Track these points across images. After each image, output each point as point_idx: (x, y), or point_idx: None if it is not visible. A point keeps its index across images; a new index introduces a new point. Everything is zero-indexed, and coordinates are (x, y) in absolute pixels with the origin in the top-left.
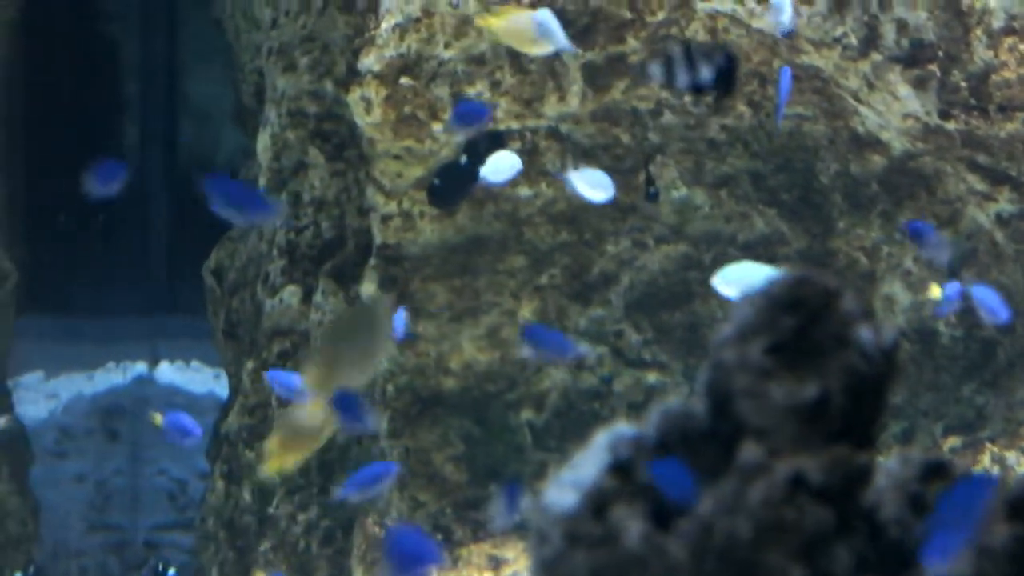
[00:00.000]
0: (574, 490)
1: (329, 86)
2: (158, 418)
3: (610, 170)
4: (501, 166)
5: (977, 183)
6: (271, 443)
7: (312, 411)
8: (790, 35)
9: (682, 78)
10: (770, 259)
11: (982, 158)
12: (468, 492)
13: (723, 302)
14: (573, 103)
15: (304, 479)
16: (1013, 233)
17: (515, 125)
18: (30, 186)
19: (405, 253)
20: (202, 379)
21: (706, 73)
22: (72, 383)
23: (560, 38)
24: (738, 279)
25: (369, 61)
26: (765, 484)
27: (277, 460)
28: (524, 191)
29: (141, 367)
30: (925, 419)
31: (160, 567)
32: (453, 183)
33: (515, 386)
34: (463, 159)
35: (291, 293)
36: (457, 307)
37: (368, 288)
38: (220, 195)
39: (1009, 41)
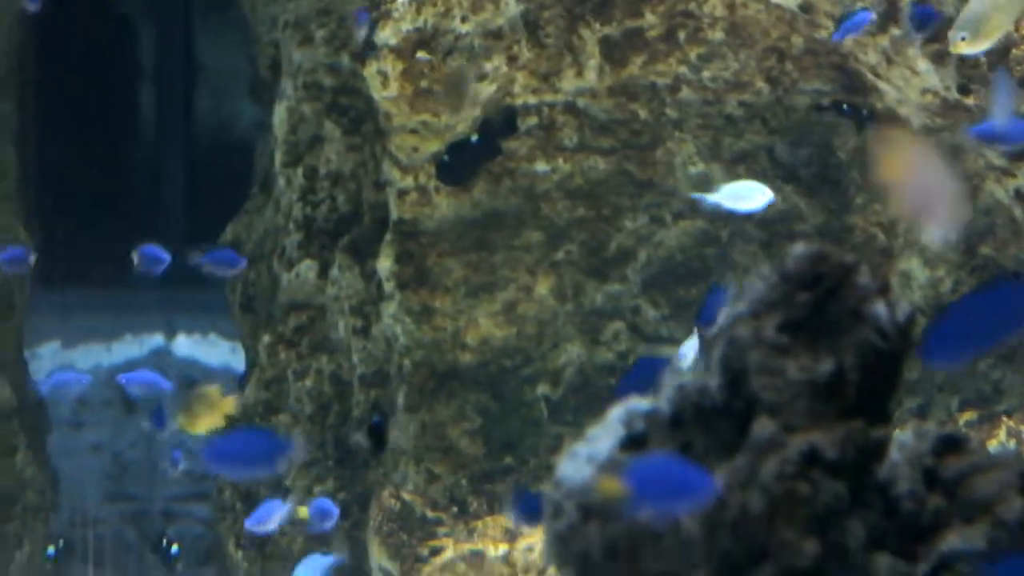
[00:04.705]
0: (589, 464)
1: (345, 59)
2: (304, 511)
3: (627, 145)
4: (746, 195)
5: (995, 158)
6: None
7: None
8: (808, 9)
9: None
10: (787, 235)
11: None
12: (484, 465)
13: (740, 278)
14: (590, 78)
15: (320, 452)
16: None
17: (532, 100)
18: (46, 158)
19: (421, 228)
20: (219, 352)
21: None
22: (89, 354)
23: None
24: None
25: (386, 35)
26: (779, 459)
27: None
28: (541, 166)
29: (158, 339)
30: (941, 393)
31: (164, 543)
32: (464, 160)
33: (531, 361)
34: (474, 136)
35: (308, 267)
36: (473, 282)
37: (384, 263)
38: None
39: None
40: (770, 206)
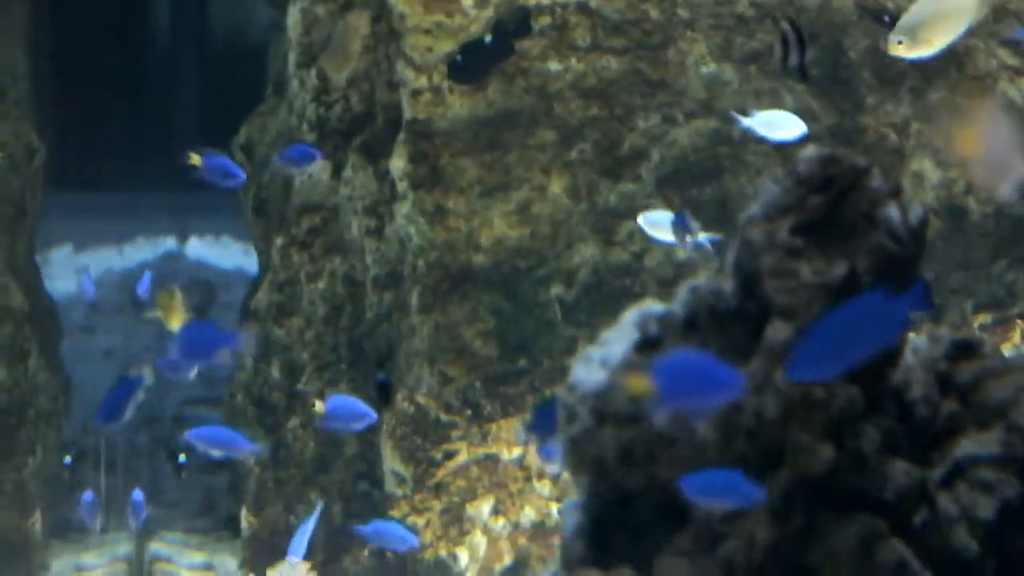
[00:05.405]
0: (603, 367)
1: None
2: (320, 406)
3: (639, 45)
4: (779, 124)
5: (1008, 58)
6: None
7: None
8: None
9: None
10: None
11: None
12: (498, 367)
13: (753, 178)
14: None
15: (333, 355)
16: None
17: (545, 0)
18: (59, 63)
19: (435, 128)
20: (231, 254)
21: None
22: (101, 258)
23: None
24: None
25: None
26: None
27: None
28: (554, 66)
29: (170, 242)
30: (955, 296)
31: (173, 449)
32: (475, 60)
33: (545, 262)
34: (488, 38)
35: (321, 168)
36: (487, 182)
37: (398, 163)
38: None
39: None
40: (783, 106)
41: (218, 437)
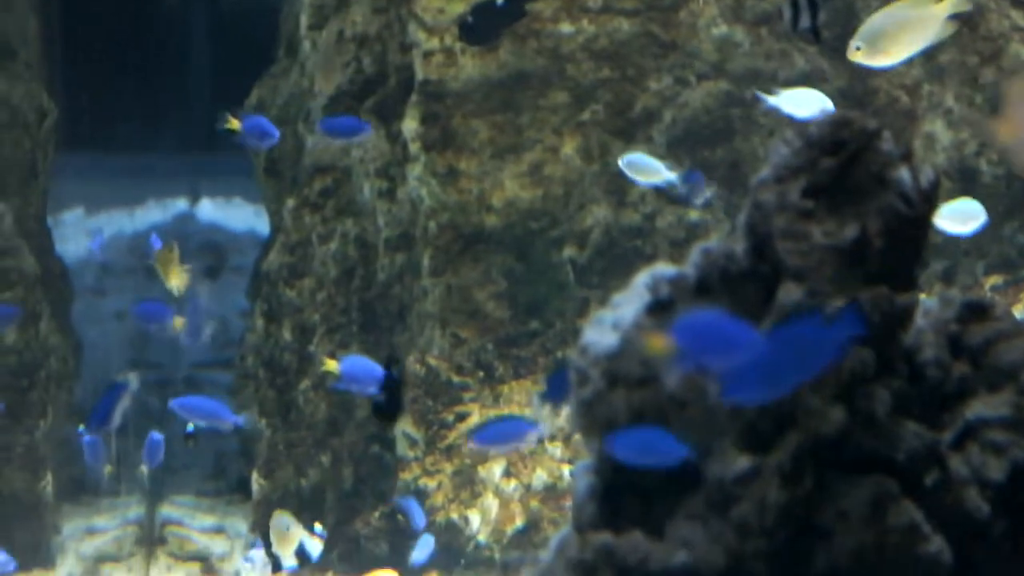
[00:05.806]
0: (615, 330)
1: None
2: (332, 364)
3: (651, 7)
4: (805, 102)
5: (1020, 19)
6: None
7: None
8: None
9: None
10: None
11: None
12: (510, 329)
13: (764, 139)
14: None
15: (344, 317)
16: None
17: None
18: (68, 24)
19: (447, 89)
20: (243, 216)
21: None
22: (113, 220)
23: None
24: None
25: None
26: None
27: None
28: (566, 27)
29: (182, 204)
30: (967, 258)
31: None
32: (487, 21)
33: (557, 223)
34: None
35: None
36: (499, 143)
37: (410, 124)
38: None
39: None
40: (794, 68)
41: (201, 408)
